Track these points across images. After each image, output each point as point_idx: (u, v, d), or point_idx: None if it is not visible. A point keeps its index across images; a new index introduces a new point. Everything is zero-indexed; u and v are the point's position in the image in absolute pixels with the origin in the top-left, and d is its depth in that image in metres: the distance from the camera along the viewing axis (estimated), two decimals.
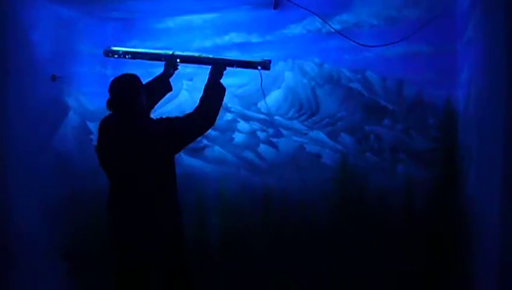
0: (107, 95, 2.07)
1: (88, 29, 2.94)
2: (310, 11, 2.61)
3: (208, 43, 2.93)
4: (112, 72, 2.97)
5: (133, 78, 2.13)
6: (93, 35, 2.97)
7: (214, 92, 2.23)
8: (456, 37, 2.51)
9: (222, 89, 2.26)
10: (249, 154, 2.84)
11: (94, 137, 2.97)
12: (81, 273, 2.79)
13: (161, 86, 2.42)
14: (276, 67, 2.78)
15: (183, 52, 2.48)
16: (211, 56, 2.43)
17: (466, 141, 2.34)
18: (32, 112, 2.48)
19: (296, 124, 2.85)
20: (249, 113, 2.90)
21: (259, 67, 2.40)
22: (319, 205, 2.79)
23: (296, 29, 2.81)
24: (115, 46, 2.52)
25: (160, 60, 2.46)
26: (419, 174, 2.64)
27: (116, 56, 2.50)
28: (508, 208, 1.60)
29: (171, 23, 3.01)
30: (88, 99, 2.96)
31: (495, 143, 1.73)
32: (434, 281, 2.62)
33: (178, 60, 2.44)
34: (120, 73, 2.14)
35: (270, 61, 2.41)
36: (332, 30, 2.65)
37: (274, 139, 2.84)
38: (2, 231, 2.27)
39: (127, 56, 2.49)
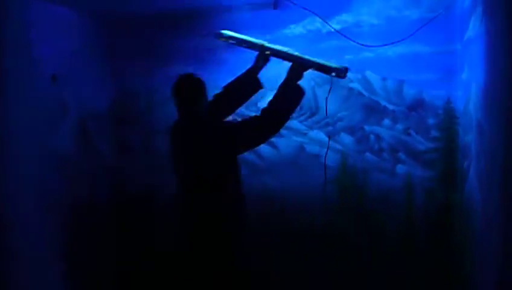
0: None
1: (87, 28, 2.94)
2: (310, 11, 2.60)
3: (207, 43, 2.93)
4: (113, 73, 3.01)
5: (191, 79, 2.07)
6: (93, 35, 2.97)
7: (290, 95, 2.06)
8: (456, 37, 2.52)
9: (300, 93, 2.06)
10: (249, 154, 2.83)
11: (94, 137, 2.97)
12: (80, 273, 2.79)
13: (248, 83, 2.29)
14: (276, 67, 2.77)
15: (274, 44, 2.32)
16: (298, 54, 2.20)
17: (466, 141, 2.34)
18: (31, 111, 2.47)
19: (296, 124, 2.85)
20: (249, 113, 2.90)
21: (333, 74, 2.14)
22: (319, 205, 2.79)
23: (296, 29, 2.81)
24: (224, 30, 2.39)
25: (255, 49, 2.31)
26: (419, 174, 2.65)
27: (222, 39, 2.36)
28: (508, 207, 1.60)
29: (171, 23, 3.01)
30: (88, 99, 2.96)
31: (495, 143, 1.73)
32: (434, 281, 2.62)
33: (268, 52, 2.26)
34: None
35: (347, 68, 2.15)
36: (332, 30, 2.65)
37: (274, 139, 2.84)
38: (0, 231, 2.27)
39: (230, 41, 2.36)
